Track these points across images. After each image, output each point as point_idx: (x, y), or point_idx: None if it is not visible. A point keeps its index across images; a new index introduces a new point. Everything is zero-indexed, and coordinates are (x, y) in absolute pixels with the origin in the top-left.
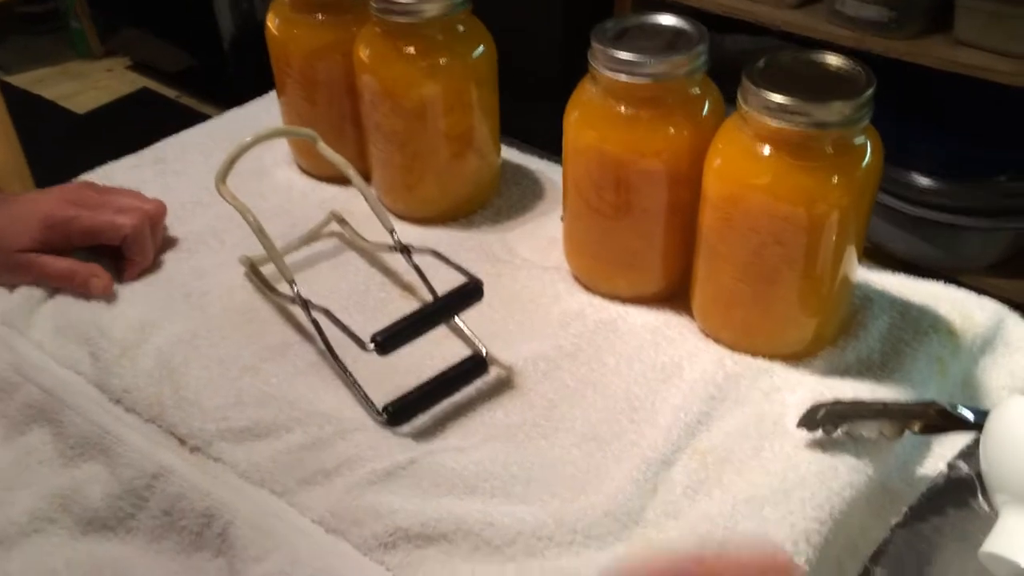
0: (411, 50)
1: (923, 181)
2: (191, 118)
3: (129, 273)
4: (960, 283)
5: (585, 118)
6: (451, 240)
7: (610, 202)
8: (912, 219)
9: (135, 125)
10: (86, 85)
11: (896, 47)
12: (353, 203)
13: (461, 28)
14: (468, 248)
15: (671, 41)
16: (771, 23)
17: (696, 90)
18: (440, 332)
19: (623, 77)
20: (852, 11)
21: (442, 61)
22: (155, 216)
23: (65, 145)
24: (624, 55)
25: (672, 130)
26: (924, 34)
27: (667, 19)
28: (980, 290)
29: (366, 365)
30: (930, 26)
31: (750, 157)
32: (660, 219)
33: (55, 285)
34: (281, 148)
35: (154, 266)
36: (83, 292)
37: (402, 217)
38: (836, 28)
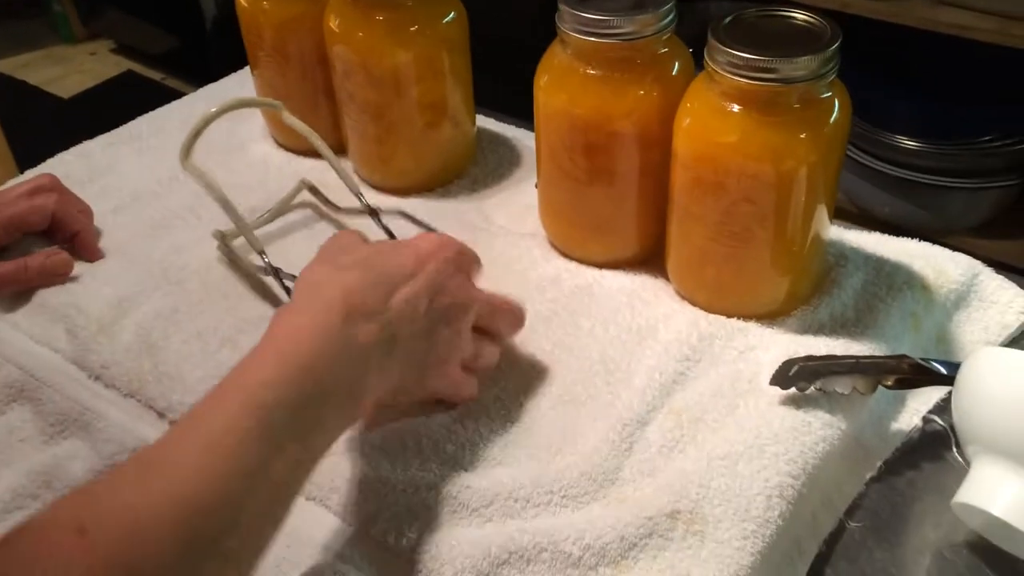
0: (381, 18)
1: (907, 142)
2: (176, 99)
3: (85, 245)
4: (945, 244)
5: (554, 81)
6: (427, 209)
7: (582, 166)
8: (896, 180)
9: (120, 108)
10: (70, 69)
11: (878, 8)
12: (328, 174)
13: None
14: (444, 216)
15: (638, 1)
16: None
17: (664, 50)
18: None
19: (591, 39)
20: None
21: (412, 28)
22: (65, 189)
23: (50, 130)
24: (591, 15)
25: (642, 91)
26: None
27: None
28: (964, 251)
29: None
30: None
31: (718, 115)
32: (632, 182)
33: (9, 288)
34: (256, 121)
35: (130, 243)
36: (45, 279)
37: (379, 188)
38: None
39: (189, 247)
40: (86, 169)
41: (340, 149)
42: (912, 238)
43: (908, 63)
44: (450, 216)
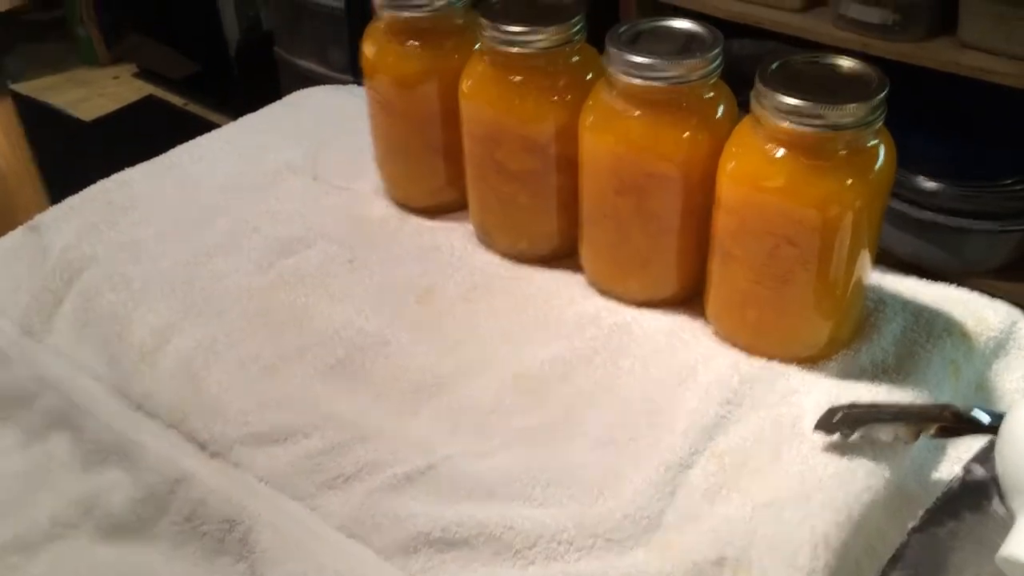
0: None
1: (929, 184)
2: (198, 125)
3: None
4: (964, 287)
5: (600, 122)
6: (474, 244)
7: (625, 206)
8: (918, 222)
9: (142, 132)
10: (92, 92)
11: (901, 50)
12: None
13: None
14: (482, 251)
15: (685, 45)
16: (776, 27)
17: (711, 94)
18: None
19: (638, 81)
20: (856, 15)
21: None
22: None
23: (72, 153)
24: (639, 59)
25: (687, 134)
26: (929, 37)
27: (681, 23)
28: (987, 293)
29: None
30: (935, 29)
31: (763, 160)
32: (674, 223)
33: None
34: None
35: (171, 271)
36: None
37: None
38: (841, 32)
39: (229, 275)
40: (128, 197)
41: (450, 208)
42: (937, 280)
43: (930, 105)
44: (488, 252)
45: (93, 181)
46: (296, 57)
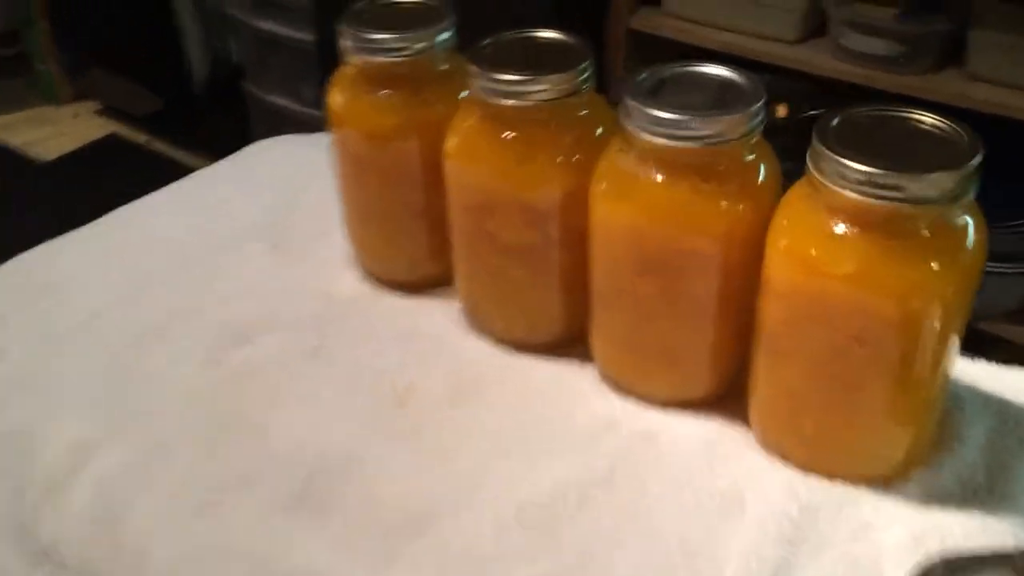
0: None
1: None
2: (161, 164)
3: None
4: (980, 330)
5: (616, 189)
6: (450, 320)
7: (649, 288)
8: None
9: (103, 173)
10: (53, 131)
11: (908, 83)
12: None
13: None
14: (472, 337)
15: (719, 96)
16: (772, 60)
17: (751, 155)
18: None
19: (665, 140)
20: (858, 46)
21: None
22: None
23: (29, 195)
24: (666, 114)
25: (725, 203)
26: (936, 69)
27: (712, 69)
28: (1000, 336)
29: None
30: (942, 61)
31: (824, 237)
32: (709, 308)
33: None
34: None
35: (96, 369)
36: None
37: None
38: (842, 64)
39: (164, 372)
40: (51, 273)
41: (436, 282)
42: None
43: None
44: (474, 332)
45: (48, 228)
46: (265, 92)
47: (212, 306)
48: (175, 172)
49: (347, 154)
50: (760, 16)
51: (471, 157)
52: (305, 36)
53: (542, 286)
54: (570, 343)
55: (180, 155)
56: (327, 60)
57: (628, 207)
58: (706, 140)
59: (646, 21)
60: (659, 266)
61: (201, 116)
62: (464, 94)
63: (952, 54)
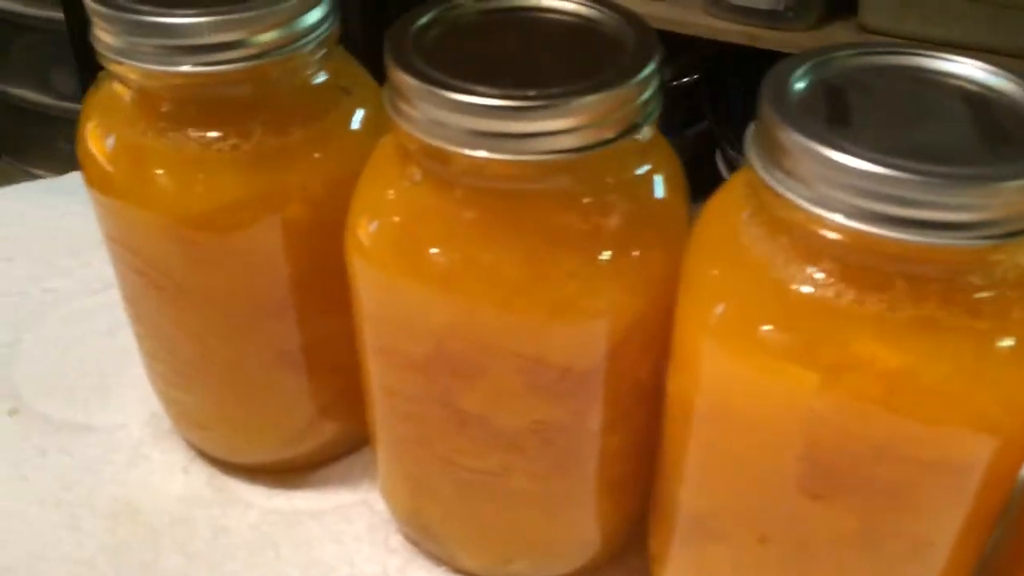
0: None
1: None
2: None
3: None
4: None
5: (755, 318)
6: None
7: (823, 517)
8: None
9: None
10: None
11: (793, 40)
12: None
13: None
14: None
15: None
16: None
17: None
18: None
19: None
20: (738, 0)
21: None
22: None
23: None
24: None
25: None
26: (824, 22)
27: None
28: None
29: None
30: (830, 12)
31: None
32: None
33: None
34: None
35: None
36: None
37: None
38: (718, 21)
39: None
40: None
41: (322, 459)
42: None
43: None
44: None
45: None
46: (6, 84)
47: None
48: None
49: (136, 254)
50: None
51: (415, 262)
52: (52, 12)
53: (565, 497)
54: (595, 569)
55: None
56: (81, 44)
57: (791, 367)
58: None
59: None
60: (850, 479)
61: None
62: (382, 137)
63: (841, 3)
